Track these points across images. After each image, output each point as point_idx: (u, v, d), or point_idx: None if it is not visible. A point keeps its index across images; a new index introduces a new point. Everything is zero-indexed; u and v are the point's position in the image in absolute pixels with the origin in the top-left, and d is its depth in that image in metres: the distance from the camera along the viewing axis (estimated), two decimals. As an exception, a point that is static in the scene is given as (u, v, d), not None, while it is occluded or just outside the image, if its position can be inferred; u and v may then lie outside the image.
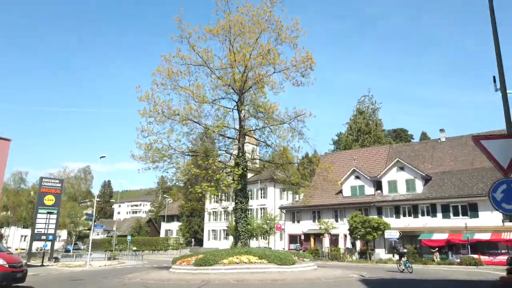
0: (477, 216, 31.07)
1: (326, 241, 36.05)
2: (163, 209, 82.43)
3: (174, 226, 73.61)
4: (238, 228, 21.45)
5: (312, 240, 39.24)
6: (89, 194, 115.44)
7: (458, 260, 27.83)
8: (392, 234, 30.57)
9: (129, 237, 60.24)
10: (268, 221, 45.49)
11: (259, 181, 51.44)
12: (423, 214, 33.98)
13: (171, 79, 20.35)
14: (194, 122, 19.77)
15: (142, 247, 66.71)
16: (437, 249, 30.09)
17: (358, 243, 35.36)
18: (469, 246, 28.09)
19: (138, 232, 76.54)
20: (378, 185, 37.94)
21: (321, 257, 34.93)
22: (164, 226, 78.70)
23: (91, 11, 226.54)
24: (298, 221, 41.54)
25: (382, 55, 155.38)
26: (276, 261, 17.47)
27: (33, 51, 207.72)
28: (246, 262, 17.20)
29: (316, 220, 39.03)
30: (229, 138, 22.34)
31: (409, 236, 33.73)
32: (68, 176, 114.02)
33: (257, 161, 60.96)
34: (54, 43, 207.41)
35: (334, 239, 37.70)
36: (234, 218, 21.98)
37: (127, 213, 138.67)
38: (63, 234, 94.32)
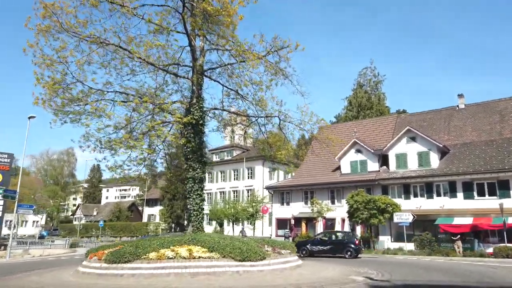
0: (508, 195, 24.70)
1: (319, 227, 29.76)
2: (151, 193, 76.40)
3: (157, 210, 67.60)
4: (188, 206, 15.00)
5: (303, 225, 32.94)
6: (72, 177, 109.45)
7: (490, 251, 21.57)
8: (403, 218, 24.24)
9: (101, 223, 54.15)
10: (254, 204, 39.25)
11: (244, 159, 45.00)
12: (439, 194, 27.60)
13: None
14: (115, 46, 12.91)
15: (119, 233, 60.84)
16: (458, 236, 23.78)
17: (359, 229, 29.09)
18: (505, 233, 21.73)
19: (117, 217, 70.44)
20: (383, 160, 31.47)
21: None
22: (147, 210, 72.70)
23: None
24: (288, 203, 35.16)
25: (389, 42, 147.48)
26: (234, 255, 11.07)
27: None
28: (185, 258, 10.77)
29: (309, 202, 32.68)
30: (176, 75, 15.48)
31: (421, 221, 27.39)
32: (51, 159, 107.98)
33: (249, 140, 54.63)
34: None
35: (330, 224, 31.41)
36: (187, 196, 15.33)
37: (115, 197, 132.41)
38: (41, 219, 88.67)
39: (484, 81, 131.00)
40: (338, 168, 33.61)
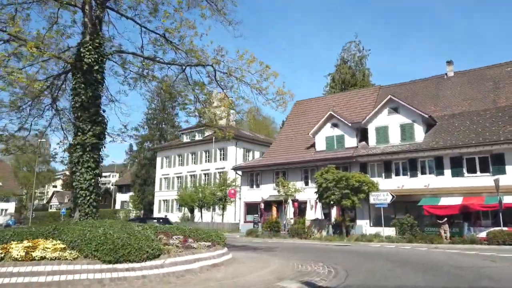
0: (503, 171, 21.22)
1: (290, 210, 26.11)
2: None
3: (129, 197, 63.52)
4: (74, 184, 10.95)
5: (274, 209, 29.28)
6: (47, 163, 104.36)
7: (483, 235, 18.13)
8: (380, 199, 20.63)
9: (63, 210, 50.01)
10: (223, 187, 35.44)
11: (213, 139, 40.94)
12: (424, 172, 24.07)
13: None
14: None
15: (88, 221, 56.81)
16: (445, 219, 20.33)
17: (334, 212, 25.53)
18: (500, 215, 18.20)
19: (87, 204, 66.09)
20: (362, 135, 27.75)
21: (282, 232, 25.07)
22: (120, 197, 68.64)
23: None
24: (258, 186, 31.39)
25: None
26: (101, 253, 7.17)
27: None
28: (18, 259, 6.83)
29: (280, 184, 28.97)
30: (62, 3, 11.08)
31: (403, 203, 23.92)
32: (25, 144, 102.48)
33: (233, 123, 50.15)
34: None
35: (303, 208, 27.77)
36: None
37: (112, 186, 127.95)
38: (10, 206, 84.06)
39: (474, 44, 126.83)
40: (313, 145, 29.83)
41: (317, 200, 22.96)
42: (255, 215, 30.63)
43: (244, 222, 31.52)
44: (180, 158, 47.33)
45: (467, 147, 22.22)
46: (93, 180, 10.78)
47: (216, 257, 9.79)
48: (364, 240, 19.69)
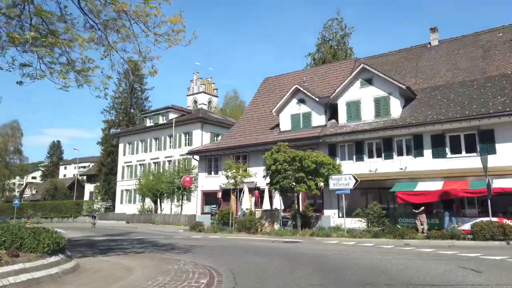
0: (493, 150, 17.66)
1: (245, 200, 22.31)
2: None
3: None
4: None
5: (233, 199, 25.49)
6: (19, 153, 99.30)
7: (467, 228, 14.59)
8: (341, 183, 16.86)
9: (16, 202, 45.82)
10: (181, 174, 31.59)
11: (173, 121, 36.85)
12: (400, 153, 20.47)
13: None
14: None
15: (50, 214, 52.65)
16: (422, 208, 16.71)
17: (300, 202, 21.78)
18: (489, 202, 14.57)
19: (53, 196, 61.96)
20: (332, 112, 24.00)
21: (229, 227, 21.12)
22: (88, 187, 64.41)
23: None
24: (216, 172, 27.54)
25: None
26: None
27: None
28: None
29: (228, 167, 25.19)
30: None
31: (377, 189, 20.39)
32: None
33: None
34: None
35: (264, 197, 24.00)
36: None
37: (73, 175, 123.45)
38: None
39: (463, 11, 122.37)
40: (278, 125, 26.01)
41: (269, 187, 19.10)
42: (212, 206, 26.82)
43: (201, 213, 27.76)
44: (143, 144, 43.21)
45: (451, 122, 18.56)
46: None
47: (37, 270, 6.01)
48: (321, 235, 15.96)
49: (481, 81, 20.76)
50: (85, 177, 69.95)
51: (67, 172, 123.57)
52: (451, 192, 15.83)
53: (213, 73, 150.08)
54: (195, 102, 78.36)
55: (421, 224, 16.41)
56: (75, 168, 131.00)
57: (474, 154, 18.32)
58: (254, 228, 18.41)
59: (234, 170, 20.60)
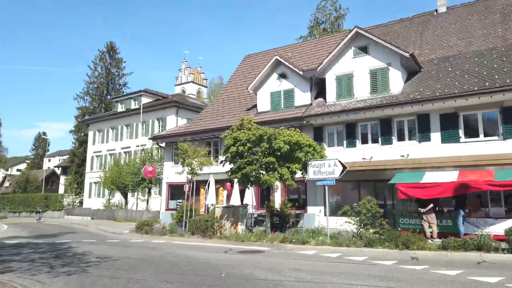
0: (520, 133, 13.72)
1: (211, 194, 18.23)
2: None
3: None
4: None
5: (202, 192, 21.49)
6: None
7: (494, 232, 10.67)
8: (324, 171, 12.74)
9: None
10: (146, 164, 27.44)
11: (141, 107, 32.58)
12: (401, 137, 16.50)
13: None
14: None
15: (18, 208, 48.36)
16: (430, 206, 12.70)
17: (278, 195, 17.75)
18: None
19: (23, 188, 57.57)
20: (320, 89, 19.92)
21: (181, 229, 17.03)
22: (63, 180, 60.06)
23: None
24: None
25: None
26: None
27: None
28: None
29: (212, 157, 21.18)
30: None
31: (372, 181, 16.43)
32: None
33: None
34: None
35: (241, 189, 19.92)
36: None
37: (58, 168, 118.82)
38: None
39: None
40: (255, 106, 21.92)
41: (229, 177, 14.83)
42: (178, 201, 22.79)
43: (166, 209, 23.69)
44: (114, 132, 38.92)
45: (465, 96, 14.55)
46: None
47: None
48: (295, 242, 11.81)
49: (502, 50, 16.74)
50: (60, 169, 65.68)
51: (52, 165, 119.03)
52: (471, 185, 11.82)
53: (203, 62, 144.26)
54: (184, 92, 74.05)
55: (430, 227, 12.45)
56: (59, 161, 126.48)
57: (496, 137, 14.43)
58: (211, 230, 14.33)
59: (190, 154, 16.46)
